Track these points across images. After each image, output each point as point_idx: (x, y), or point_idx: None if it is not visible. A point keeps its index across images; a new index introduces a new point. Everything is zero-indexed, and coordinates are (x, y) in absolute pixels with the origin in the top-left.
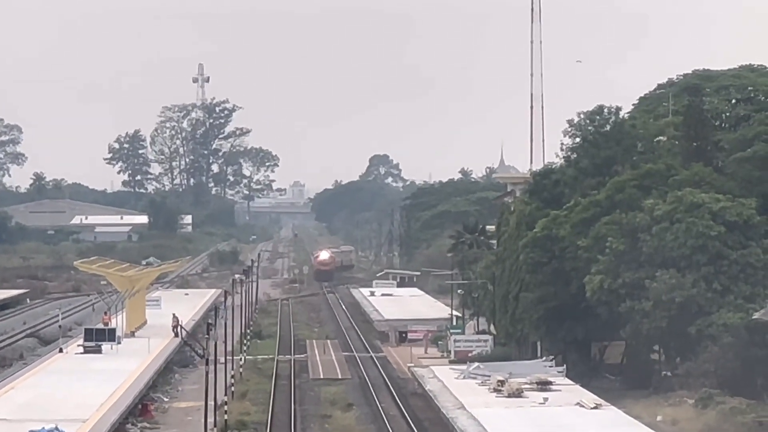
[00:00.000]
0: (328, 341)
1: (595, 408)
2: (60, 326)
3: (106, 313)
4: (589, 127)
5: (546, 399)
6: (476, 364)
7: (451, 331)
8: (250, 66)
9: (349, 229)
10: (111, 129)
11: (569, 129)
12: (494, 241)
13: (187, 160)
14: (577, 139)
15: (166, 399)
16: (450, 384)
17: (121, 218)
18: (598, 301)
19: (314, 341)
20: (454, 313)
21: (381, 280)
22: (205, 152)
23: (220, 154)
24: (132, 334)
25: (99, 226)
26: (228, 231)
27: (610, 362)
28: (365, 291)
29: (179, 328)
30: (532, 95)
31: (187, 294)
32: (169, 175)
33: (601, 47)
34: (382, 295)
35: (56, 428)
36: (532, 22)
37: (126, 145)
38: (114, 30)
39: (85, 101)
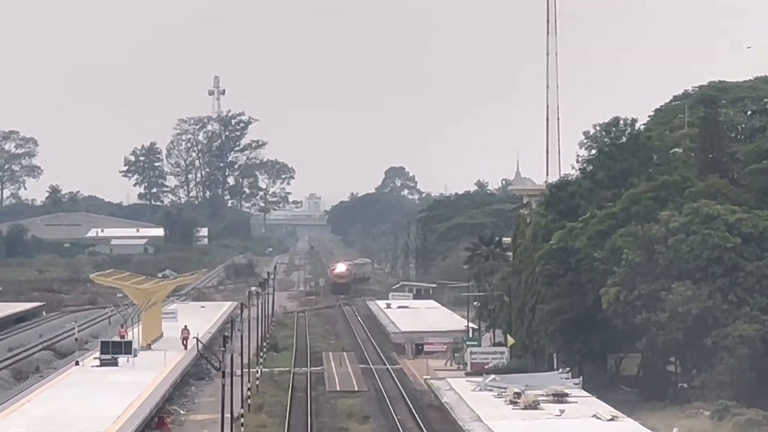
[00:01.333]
0: (345, 353)
1: (612, 420)
2: (76, 339)
3: (122, 326)
4: (605, 139)
5: (562, 411)
6: (492, 376)
7: (468, 343)
8: (265, 78)
9: (365, 241)
10: (127, 141)
11: (585, 141)
12: (510, 253)
13: (203, 172)
14: (593, 151)
15: (182, 411)
16: (466, 396)
17: (137, 231)
18: (614, 313)
19: (330, 353)
20: (471, 325)
21: (397, 292)
22: (221, 165)
23: (236, 166)
24: (148, 347)
25: (115, 238)
26: (244, 243)
27: (627, 374)
28: (381, 303)
29: (188, 340)
30: (548, 107)
31: (203, 306)
32: (185, 187)
33: (616, 59)
34: (398, 307)
35: None
36: (547, 34)
37: (142, 158)
38: (130, 43)
39: (100, 114)
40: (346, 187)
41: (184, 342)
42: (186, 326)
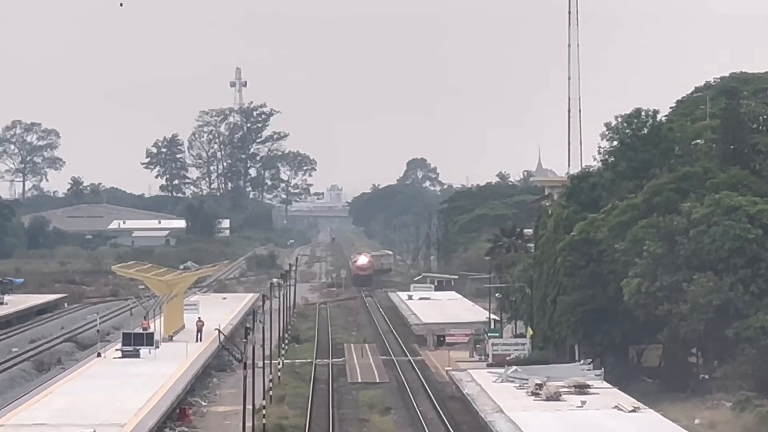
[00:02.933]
0: (366, 345)
1: (633, 411)
2: (98, 331)
3: (145, 318)
4: (627, 131)
5: (584, 402)
6: (514, 367)
7: (489, 334)
8: (287, 70)
9: (387, 232)
10: (148, 133)
11: (607, 132)
12: (532, 245)
13: (225, 164)
14: (615, 143)
15: (204, 403)
16: (488, 387)
17: (159, 222)
18: (636, 305)
19: (352, 345)
20: (492, 316)
21: (419, 283)
22: (243, 156)
23: (258, 158)
24: (170, 339)
25: (137, 230)
26: (265, 235)
27: (648, 365)
28: (403, 295)
29: (202, 331)
30: (570, 98)
31: (224, 298)
32: (207, 179)
33: (638, 50)
34: (420, 298)
35: None
36: (569, 25)
37: (164, 150)
38: (151, 34)
39: (122, 105)
40: (368, 178)
41: (199, 333)
42: (200, 317)
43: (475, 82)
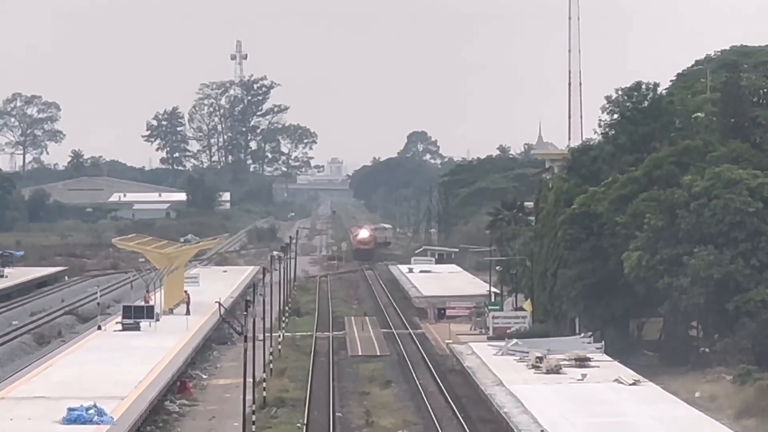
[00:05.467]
0: (367, 318)
1: (633, 384)
2: (98, 304)
3: (147, 291)
4: (627, 104)
5: (584, 375)
6: (515, 340)
7: (490, 307)
8: (288, 43)
9: (388, 206)
10: (149, 106)
11: (607, 105)
12: (532, 218)
13: (225, 137)
14: (615, 116)
15: (204, 376)
16: (488, 360)
17: (160, 195)
18: (636, 278)
19: (352, 318)
20: (493, 289)
21: (419, 256)
22: (243, 129)
23: (258, 131)
24: (170, 312)
25: (137, 203)
26: (266, 208)
27: (648, 339)
28: (403, 268)
29: (189, 304)
30: (570, 72)
31: (225, 271)
32: (207, 152)
33: (639, 23)
34: (421, 271)
35: (95, 405)
36: None
37: (164, 123)
38: (152, 6)
39: (123, 78)
40: (369, 151)
41: (187, 306)
42: (186, 291)
43: (475, 53)
